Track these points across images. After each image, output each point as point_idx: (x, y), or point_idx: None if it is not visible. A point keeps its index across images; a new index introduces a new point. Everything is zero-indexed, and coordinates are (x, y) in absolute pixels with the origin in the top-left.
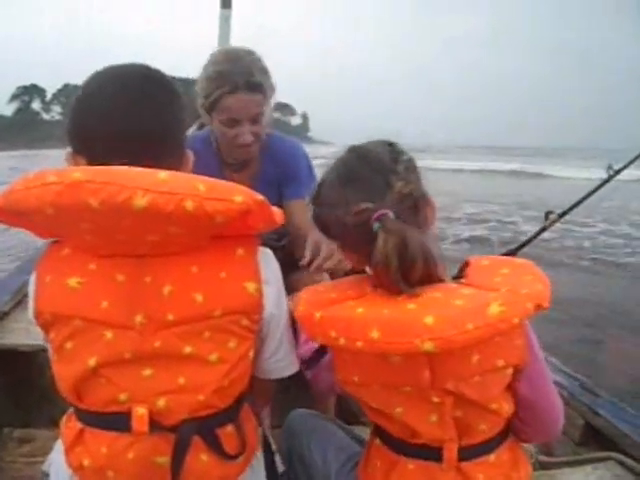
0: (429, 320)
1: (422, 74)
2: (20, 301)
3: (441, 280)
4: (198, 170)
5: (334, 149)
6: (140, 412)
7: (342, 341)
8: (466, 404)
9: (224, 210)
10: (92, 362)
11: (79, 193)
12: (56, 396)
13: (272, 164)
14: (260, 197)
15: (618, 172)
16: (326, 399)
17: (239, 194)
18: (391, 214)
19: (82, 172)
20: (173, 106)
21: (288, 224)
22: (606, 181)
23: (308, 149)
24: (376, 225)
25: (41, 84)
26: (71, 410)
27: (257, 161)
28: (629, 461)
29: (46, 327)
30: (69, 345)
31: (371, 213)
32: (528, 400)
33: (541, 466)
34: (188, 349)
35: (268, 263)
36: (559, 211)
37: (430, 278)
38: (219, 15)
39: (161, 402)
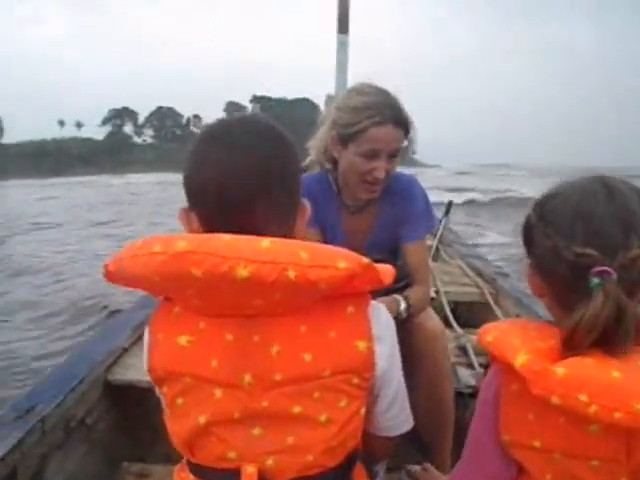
0: None
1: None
2: (140, 337)
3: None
4: (318, 213)
5: (441, 172)
6: (250, 470)
7: (593, 408)
8: None
9: (327, 277)
10: (202, 420)
11: (182, 263)
12: None
13: (390, 204)
14: (365, 261)
15: None
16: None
17: (343, 260)
18: (615, 277)
19: (186, 242)
20: (292, 165)
21: (407, 264)
22: None
23: (414, 171)
24: (595, 281)
25: (133, 107)
26: (184, 460)
27: (375, 203)
28: None
29: (159, 382)
30: (180, 401)
31: (593, 263)
32: None
33: None
34: (297, 409)
35: (379, 318)
36: None
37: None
38: (336, 40)
39: (270, 461)
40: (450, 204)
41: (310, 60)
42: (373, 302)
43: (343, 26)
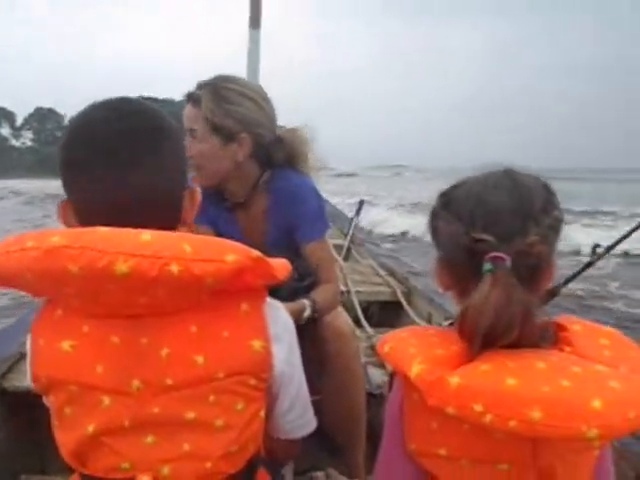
0: (597, 404)
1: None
2: None
3: (536, 345)
4: (208, 210)
5: (333, 173)
6: None
7: (488, 418)
8: None
9: (214, 272)
10: (91, 429)
11: (57, 259)
12: None
13: (279, 204)
14: (255, 253)
15: None
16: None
17: (231, 253)
18: (508, 263)
19: (60, 236)
20: (170, 161)
21: (311, 265)
22: None
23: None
24: (487, 266)
25: (10, 107)
26: (76, 473)
27: (262, 199)
28: None
29: (44, 391)
30: (68, 411)
31: (489, 249)
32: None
33: None
34: (191, 414)
35: (277, 317)
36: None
37: (519, 343)
38: (248, 36)
39: (166, 470)
40: (361, 203)
41: (211, 61)
42: (270, 300)
43: (255, 22)
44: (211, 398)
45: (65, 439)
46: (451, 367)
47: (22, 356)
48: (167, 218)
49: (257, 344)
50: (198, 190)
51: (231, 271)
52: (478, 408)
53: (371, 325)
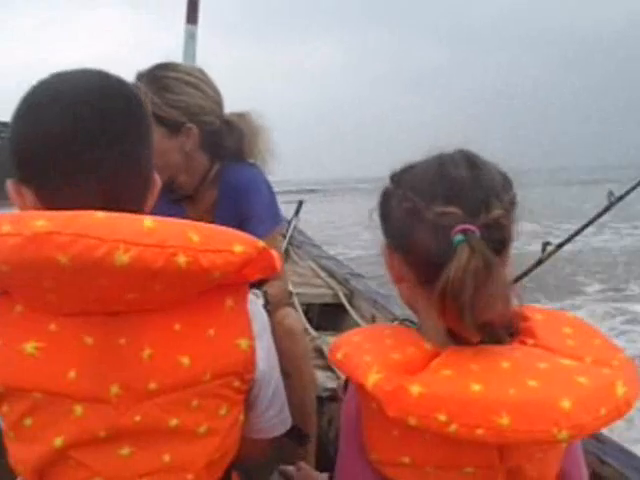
0: (566, 405)
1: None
2: None
3: (499, 336)
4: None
5: None
6: None
7: (453, 427)
8: None
9: (222, 264)
10: (59, 442)
11: (43, 248)
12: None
13: (228, 197)
14: (261, 244)
15: (620, 199)
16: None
17: (239, 243)
18: (478, 234)
19: (47, 220)
20: (140, 135)
21: None
22: (607, 209)
23: None
24: (458, 237)
25: None
26: None
27: (211, 192)
28: None
29: None
30: (28, 422)
31: (456, 222)
32: (564, 471)
33: None
34: (174, 422)
35: (257, 313)
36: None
37: (494, 326)
38: (184, 31)
39: None
40: (300, 204)
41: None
42: (250, 295)
43: (192, 17)
44: (194, 403)
45: (25, 455)
46: (410, 372)
47: None
48: (135, 205)
49: (244, 343)
50: (158, 179)
51: (239, 263)
52: (442, 418)
53: (313, 328)
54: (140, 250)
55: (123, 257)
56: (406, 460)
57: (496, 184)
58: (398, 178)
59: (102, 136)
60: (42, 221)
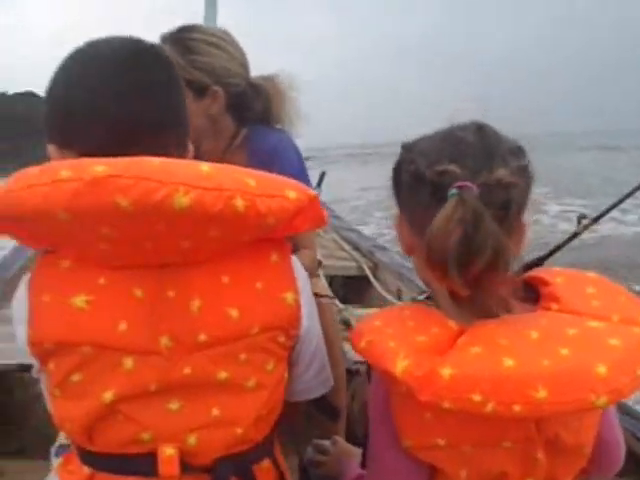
0: (602, 370)
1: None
2: None
3: (508, 303)
4: None
5: None
6: (168, 453)
7: (490, 407)
8: (560, 453)
9: (277, 209)
10: (108, 396)
11: (104, 192)
12: (27, 423)
13: (256, 163)
14: (313, 192)
15: None
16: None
17: (291, 189)
18: (475, 191)
19: (107, 165)
20: (177, 87)
21: None
22: None
23: None
24: (452, 192)
25: None
26: (63, 448)
27: (239, 158)
28: None
29: (44, 357)
30: (76, 378)
31: (454, 180)
32: (601, 437)
33: None
34: (223, 375)
35: (300, 270)
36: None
37: (491, 282)
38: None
39: (192, 439)
40: (323, 175)
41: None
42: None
43: None
44: (243, 356)
45: (73, 411)
46: (438, 353)
47: None
48: (180, 151)
49: (289, 297)
50: (191, 147)
51: (292, 210)
52: (477, 398)
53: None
54: (199, 193)
55: (183, 199)
56: (441, 442)
57: (503, 148)
58: (410, 145)
59: (140, 92)
60: (102, 166)
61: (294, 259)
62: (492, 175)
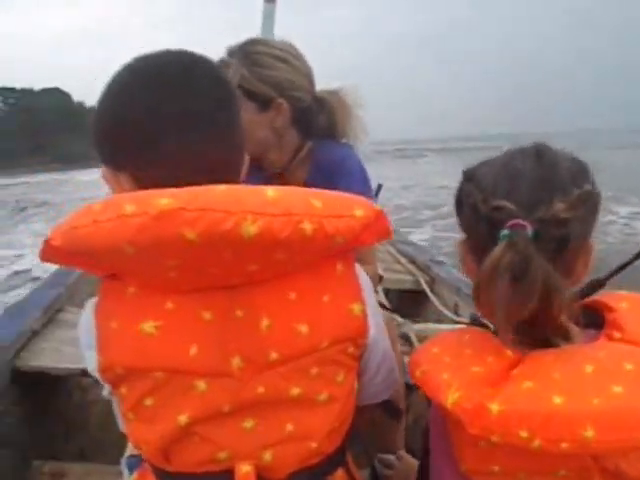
0: None
1: None
2: (51, 318)
3: (567, 332)
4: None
5: None
6: (245, 470)
7: (537, 443)
8: None
9: (345, 229)
10: (183, 419)
11: (170, 225)
12: (86, 426)
13: (320, 175)
14: (377, 207)
15: None
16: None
17: (358, 207)
18: (530, 230)
19: (172, 197)
20: (230, 100)
21: None
22: None
23: None
24: (503, 232)
25: None
26: (135, 459)
27: (302, 170)
28: None
29: (115, 382)
30: (149, 402)
31: (508, 217)
32: None
33: None
34: (295, 391)
35: (364, 278)
36: None
37: (545, 327)
38: (262, 11)
39: (267, 456)
40: (379, 187)
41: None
42: None
43: None
44: (314, 371)
45: (148, 435)
46: (491, 385)
47: (34, 334)
48: (233, 181)
49: (357, 308)
50: (247, 157)
51: (359, 228)
52: (524, 434)
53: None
54: (267, 220)
55: (251, 228)
56: (496, 468)
57: (563, 175)
58: (469, 175)
59: (193, 115)
60: (166, 199)
61: (358, 267)
62: (549, 210)
